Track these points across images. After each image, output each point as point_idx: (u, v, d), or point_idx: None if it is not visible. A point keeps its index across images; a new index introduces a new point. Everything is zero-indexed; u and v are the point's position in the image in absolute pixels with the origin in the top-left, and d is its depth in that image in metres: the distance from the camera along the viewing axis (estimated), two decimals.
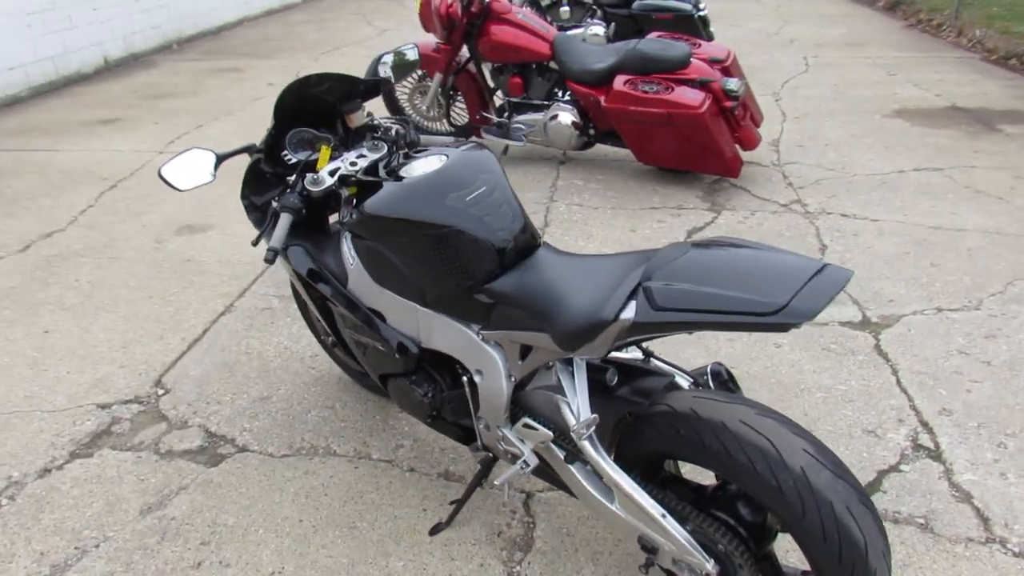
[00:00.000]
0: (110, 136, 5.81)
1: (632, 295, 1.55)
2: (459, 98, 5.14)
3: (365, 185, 1.99)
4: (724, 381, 1.90)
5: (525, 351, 1.83)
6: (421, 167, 1.95)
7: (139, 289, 3.57)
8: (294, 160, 2.14)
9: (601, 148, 5.06)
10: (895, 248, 3.76)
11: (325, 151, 2.12)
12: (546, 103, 4.79)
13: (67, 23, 7.45)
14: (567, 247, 3.85)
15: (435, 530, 2.19)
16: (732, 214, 4.20)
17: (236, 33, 9.92)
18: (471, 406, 2.01)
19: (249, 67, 8.02)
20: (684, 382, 1.88)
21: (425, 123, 5.34)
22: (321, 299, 2.33)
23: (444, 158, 1.96)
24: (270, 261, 1.92)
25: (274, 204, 2.07)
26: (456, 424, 2.13)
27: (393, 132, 2.22)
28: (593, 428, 1.71)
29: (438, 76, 4.98)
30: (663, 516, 1.68)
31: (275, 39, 9.44)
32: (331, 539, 2.18)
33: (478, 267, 1.81)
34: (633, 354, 1.95)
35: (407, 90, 5.28)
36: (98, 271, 3.74)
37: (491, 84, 5.07)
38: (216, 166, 2.05)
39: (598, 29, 6.49)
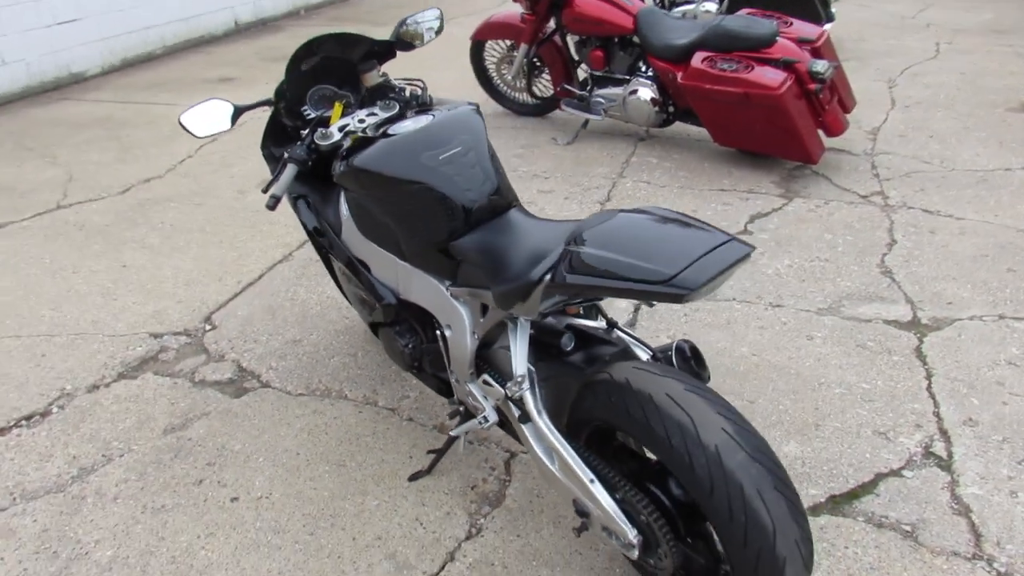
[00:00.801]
0: (224, 93, 6.22)
1: (560, 259, 1.58)
2: (545, 70, 5.17)
3: (361, 141, 2.09)
4: (687, 358, 1.88)
5: (485, 308, 1.89)
6: (408, 126, 2.02)
7: (212, 234, 3.86)
8: (312, 115, 2.27)
9: (684, 127, 4.96)
10: (973, 249, 3.51)
11: (338, 108, 2.24)
12: (627, 78, 4.74)
13: None
14: None
15: (414, 477, 2.30)
16: (804, 202, 4.03)
17: (364, 1, 10.28)
18: (445, 360, 2.09)
19: (368, 34, 8.31)
20: (643, 355, 1.89)
21: (511, 93, 5.40)
22: (324, 249, 2.47)
23: (430, 118, 2.03)
24: (271, 207, 2.07)
25: (285, 155, 2.21)
26: (435, 376, 2.22)
27: (407, 93, 2.31)
28: (527, 386, 1.75)
29: (523, 47, 5.02)
30: (591, 482, 1.70)
31: (398, 6, 9.72)
32: (320, 473, 2.33)
33: (445, 224, 1.88)
34: (599, 323, 1.97)
35: (495, 58, 5.35)
36: (181, 216, 4.06)
37: (575, 56, 5.05)
38: (234, 116, 2.20)
39: (710, 5, 6.30)
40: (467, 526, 2.13)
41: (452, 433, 2.07)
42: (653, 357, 1.88)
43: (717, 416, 1.53)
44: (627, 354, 1.87)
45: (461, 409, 2.14)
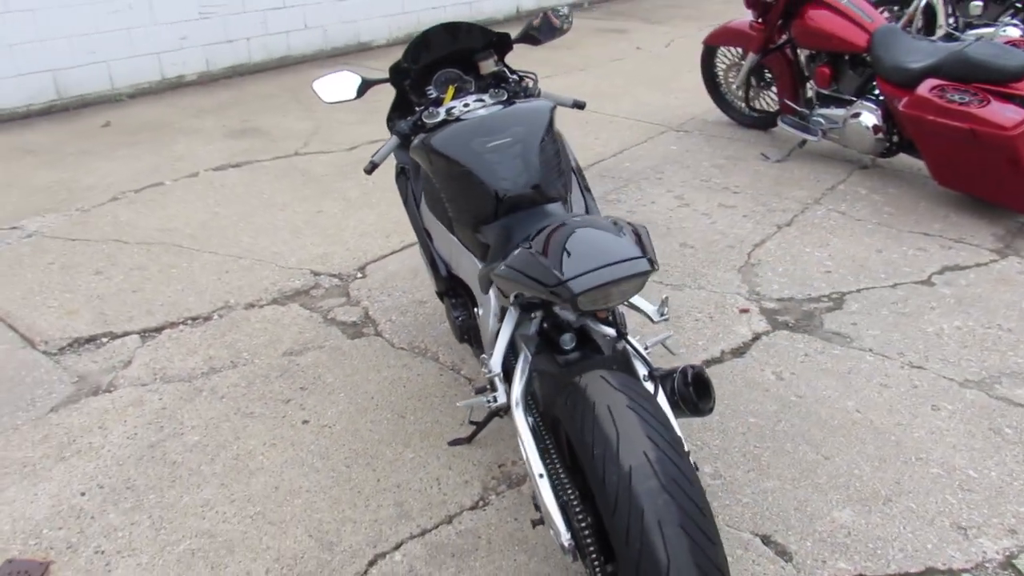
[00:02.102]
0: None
1: (507, 254, 1.63)
2: (772, 81, 4.94)
3: (442, 123, 2.25)
4: (688, 384, 1.82)
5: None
6: (478, 113, 2.15)
7: None
8: (432, 95, 2.48)
9: (913, 161, 4.48)
10: None
11: (451, 91, 2.42)
12: (852, 99, 4.39)
13: None
14: (791, 254, 3.62)
15: (455, 442, 2.44)
16: (1020, 262, 3.50)
17: None
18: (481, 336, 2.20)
19: (634, 30, 8.43)
20: (642, 370, 1.86)
21: (736, 102, 5.23)
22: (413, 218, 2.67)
23: (498, 108, 2.13)
24: (367, 171, 2.31)
25: (393, 127, 2.44)
26: (480, 350, 2.34)
27: (513, 84, 2.43)
28: (496, 370, 1.81)
29: (750, 55, 4.84)
30: (540, 476, 1.73)
31: (680, 5, 9.68)
32: (380, 418, 2.57)
33: (481, 207, 1.99)
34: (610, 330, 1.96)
35: (725, 65, 5.21)
36: (385, 177, 4.52)
37: (805, 71, 4.76)
38: (360, 88, 2.47)
39: (1014, 31, 5.56)
40: (477, 498, 2.24)
41: (459, 404, 2.18)
42: (649, 375, 1.84)
43: (645, 439, 1.49)
44: (621, 364, 1.85)
45: (488, 386, 2.24)
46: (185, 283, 3.40)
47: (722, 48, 5.16)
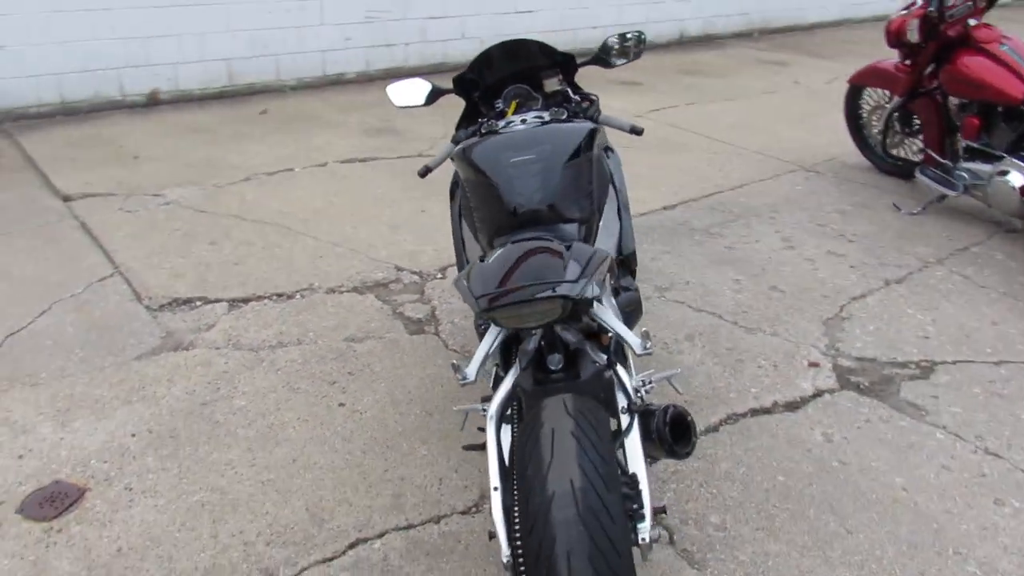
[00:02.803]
0: (620, 95, 6.71)
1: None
2: (918, 129, 4.60)
3: (488, 134, 2.31)
4: (665, 423, 1.77)
5: None
6: (515, 128, 2.18)
7: None
8: (500, 108, 2.55)
9: None
10: None
11: (513, 105, 2.49)
12: (1002, 155, 4.01)
13: None
14: (890, 313, 3.38)
15: (469, 447, 2.47)
16: None
17: (826, 33, 9.91)
18: None
19: (797, 64, 8.10)
20: (622, 401, 1.82)
21: (878, 147, 4.91)
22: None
23: (535, 125, 2.16)
24: (420, 175, 2.43)
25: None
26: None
27: (574, 105, 2.45)
28: (469, 379, 1.83)
29: (895, 99, 4.53)
30: (495, 489, 1.74)
31: (856, 41, 9.18)
32: (409, 412, 2.66)
33: (496, 220, 2.02)
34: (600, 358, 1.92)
35: (870, 105, 4.91)
36: None
37: (955, 120, 4.39)
38: (429, 96, 2.58)
39: None
40: (471, 504, 2.27)
41: (455, 408, 2.22)
42: (627, 408, 1.80)
43: (575, 466, 1.47)
44: (602, 392, 1.82)
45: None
46: (282, 262, 3.66)
47: (869, 88, 4.87)
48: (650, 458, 1.81)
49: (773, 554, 2.12)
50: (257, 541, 2.11)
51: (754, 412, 2.70)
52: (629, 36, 2.59)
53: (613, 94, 6.73)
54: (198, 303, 3.31)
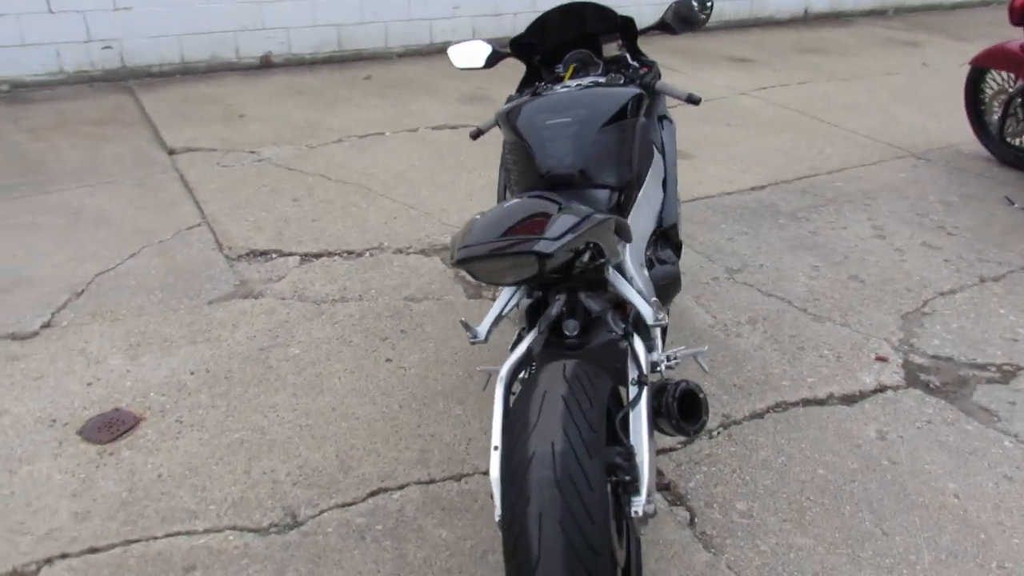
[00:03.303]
0: (728, 71, 6.48)
1: None
2: None
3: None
4: (673, 398, 1.72)
5: None
6: (556, 91, 2.15)
7: None
8: (559, 73, 2.52)
9: None
10: None
11: (571, 69, 2.45)
12: None
13: None
14: (979, 312, 3.14)
15: None
16: None
17: (970, 13, 9.20)
18: None
19: (929, 44, 7.56)
20: (633, 372, 1.78)
21: (998, 135, 4.53)
22: None
23: (575, 88, 2.12)
24: (472, 136, 2.44)
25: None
26: None
27: (631, 71, 2.39)
28: (478, 340, 1.83)
29: (1019, 83, 4.17)
30: (494, 448, 1.74)
31: (1000, 23, 8.44)
32: (451, 373, 2.69)
33: (528, 181, 2.01)
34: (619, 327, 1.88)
35: (993, 89, 4.53)
36: None
37: None
38: (489, 58, 2.56)
39: None
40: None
41: (477, 368, 2.22)
42: (637, 380, 1.76)
43: (559, 430, 1.45)
44: (615, 361, 1.79)
45: None
46: (357, 221, 3.76)
47: (993, 71, 4.49)
48: (662, 432, 1.76)
49: (797, 547, 2.03)
50: (285, 480, 2.21)
51: (806, 402, 2.57)
52: (696, 3, 2.48)
53: (721, 70, 6.51)
54: (273, 255, 3.46)
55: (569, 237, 1.37)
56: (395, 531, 2.05)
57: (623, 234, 1.73)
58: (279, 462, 2.28)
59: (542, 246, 1.33)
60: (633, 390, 1.74)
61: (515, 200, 1.57)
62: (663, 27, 2.52)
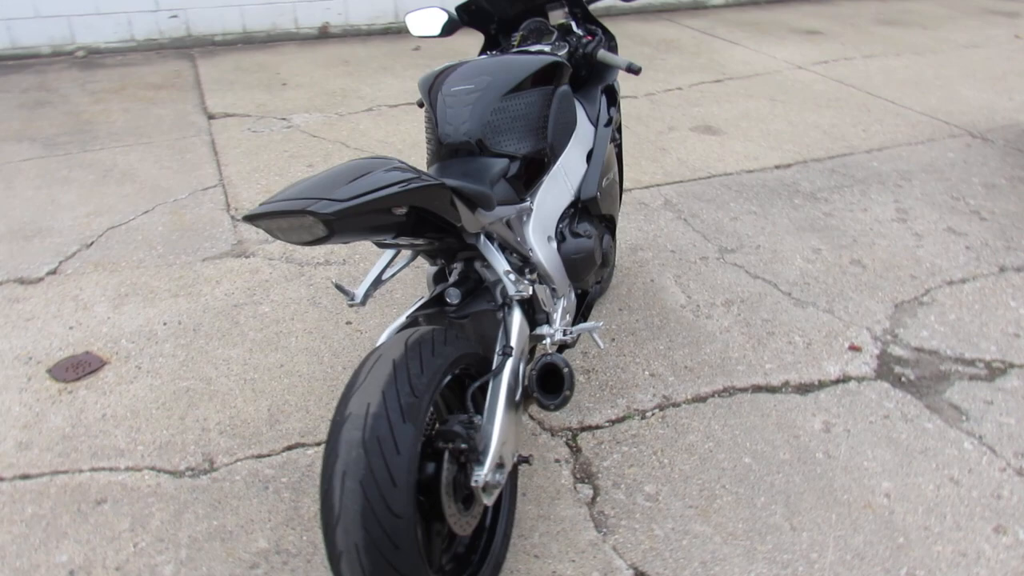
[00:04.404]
0: (790, 44, 6.17)
1: None
2: None
3: None
4: (534, 371, 1.70)
5: None
6: (475, 59, 2.12)
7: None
8: (515, 41, 2.49)
9: None
10: None
11: (519, 38, 2.42)
12: None
13: None
14: (985, 305, 2.91)
15: None
16: None
17: None
18: None
19: None
20: (501, 342, 1.76)
21: None
22: None
23: (492, 56, 2.08)
24: (419, 105, 2.44)
25: None
26: None
27: (574, 39, 2.34)
28: (355, 303, 1.84)
29: None
30: None
31: None
32: None
33: (431, 150, 2.00)
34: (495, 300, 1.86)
35: None
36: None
37: None
38: (445, 26, 2.55)
39: None
40: None
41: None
42: (503, 351, 1.74)
43: (378, 392, 1.46)
44: (485, 330, 1.78)
45: None
46: None
47: None
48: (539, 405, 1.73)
49: (693, 534, 1.96)
50: (214, 429, 2.31)
51: (756, 388, 2.47)
52: None
53: (786, 43, 6.21)
54: None
55: (359, 200, 1.35)
56: (298, 484, 2.11)
57: (480, 202, 1.69)
58: (214, 411, 2.38)
59: (320, 206, 1.31)
60: (497, 360, 1.73)
61: (348, 161, 1.57)
62: None
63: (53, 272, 3.13)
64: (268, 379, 2.52)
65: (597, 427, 2.32)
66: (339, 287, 1.83)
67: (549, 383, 1.70)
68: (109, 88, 5.24)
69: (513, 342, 1.75)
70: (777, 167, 4.05)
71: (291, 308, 2.90)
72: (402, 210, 1.49)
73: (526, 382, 1.72)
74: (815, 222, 3.48)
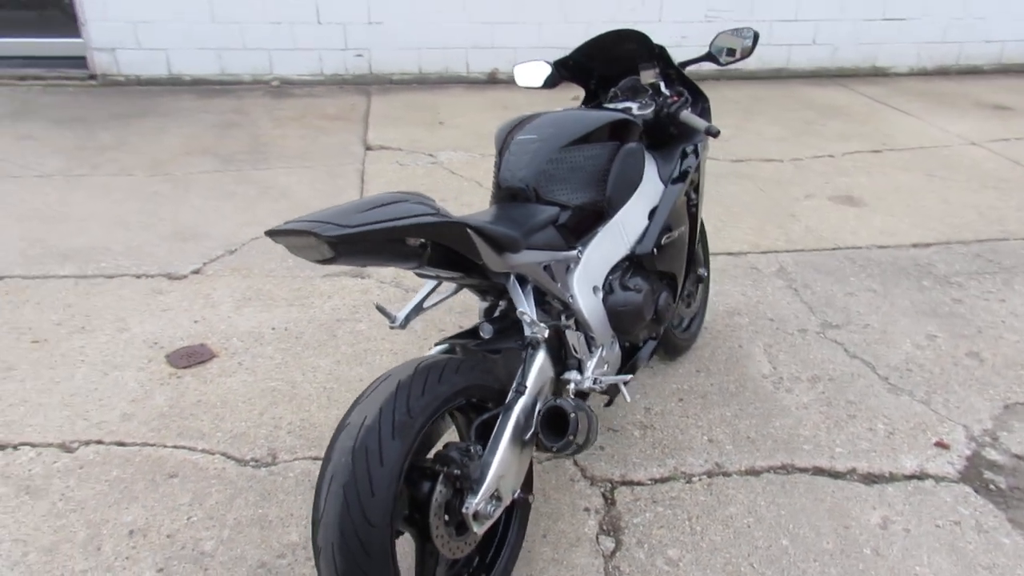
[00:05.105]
0: (972, 118, 5.77)
1: None
2: None
3: None
4: (539, 412, 1.75)
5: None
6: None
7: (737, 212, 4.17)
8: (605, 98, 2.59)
9: None
10: None
11: (612, 94, 2.52)
12: None
13: None
14: None
15: None
16: None
17: None
18: None
19: None
20: (518, 379, 1.83)
21: None
22: None
23: (564, 110, 2.17)
24: None
25: None
26: None
27: (661, 99, 2.39)
28: (393, 325, 1.96)
29: None
30: None
31: None
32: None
33: (493, 191, 2.12)
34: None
35: None
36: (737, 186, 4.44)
37: None
38: (547, 79, 2.68)
39: None
40: None
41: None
42: (516, 389, 1.80)
43: (376, 407, 1.58)
44: (507, 368, 1.86)
45: None
46: None
47: None
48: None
49: None
50: (284, 428, 2.53)
51: (817, 471, 2.35)
52: (740, 33, 2.40)
53: (966, 117, 5.82)
54: None
55: (362, 229, 1.46)
56: None
57: (505, 244, 1.77)
58: (289, 412, 2.60)
59: (325, 229, 1.43)
60: (510, 397, 1.80)
61: (380, 193, 1.70)
62: (708, 58, 2.49)
63: (197, 271, 3.54)
64: (345, 390, 2.71)
65: (638, 483, 2.30)
66: (380, 309, 1.97)
67: (557, 426, 1.74)
68: (291, 115, 5.84)
69: (529, 382, 1.81)
70: (915, 245, 3.81)
71: (385, 329, 3.10)
72: (416, 242, 1.60)
73: (531, 422, 1.77)
74: (939, 307, 3.24)
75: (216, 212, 4.16)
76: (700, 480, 2.31)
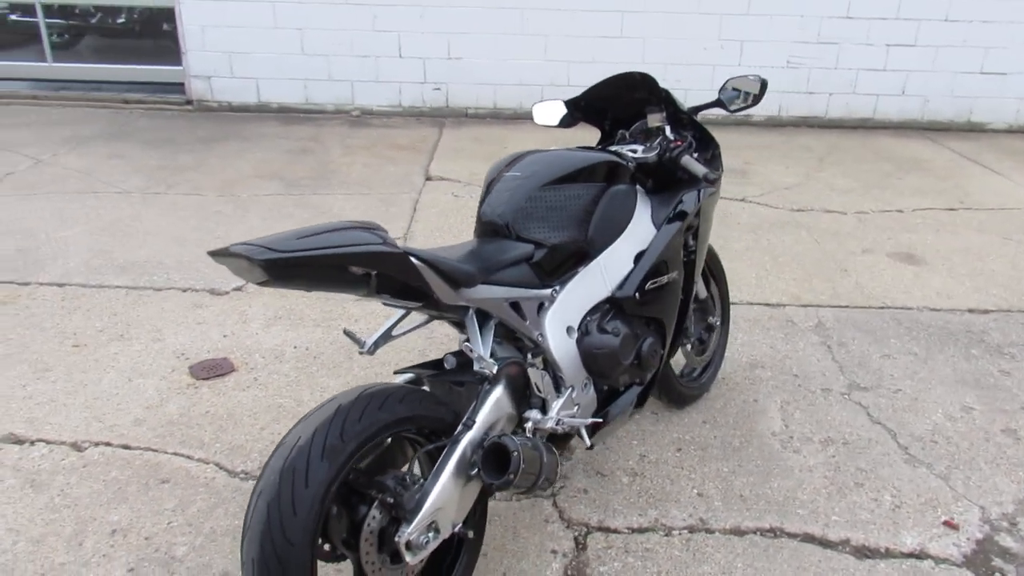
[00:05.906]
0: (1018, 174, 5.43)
1: None
2: None
3: None
4: (481, 447, 1.75)
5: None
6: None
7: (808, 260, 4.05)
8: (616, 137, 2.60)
9: None
10: None
11: (621, 136, 2.52)
12: None
13: None
14: None
15: None
16: None
17: None
18: None
19: None
20: (469, 415, 1.83)
21: None
22: None
23: (558, 149, 2.18)
24: None
25: None
26: None
27: (663, 142, 2.38)
28: (362, 350, 1.99)
29: None
30: None
31: None
32: None
33: (475, 225, 2.14)
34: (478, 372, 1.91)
35: None
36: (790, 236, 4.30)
37: None
38: (563, 119, 2.70)
39: None
40: None
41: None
42: (464, 424, 1.80)
43: (310, 430, 1.60)
44: (462, 401, 1.86)
45: None
46: None
47: None
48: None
49: None
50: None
51: (806, 538, 2.23)
52: (748, 80, 2.36)
53: (1014, 172, 5.46)
54: None
55: (294, 254, 1.49)
56: None
57: (458, 279, 1.77)
58: (288, 426, 2.67)
59: (257, 252, 1.48)
60: (458, 430, 1.80)
61: (333, 221, 1.75)
62: (718, 104, 2.46)
63: (238, 289, 3.70)
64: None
65: (615, 531, 2.24)
66: (348, 334, 2.01)
67: (501, 463, 1.73)
68: (362, 144, 6.05)
69: (479, 417, 1.80)
70: (971, 311, 3.59)
71: (401, 354, 3.15)
72: (360, 271, 1.64)
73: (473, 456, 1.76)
74: (983, 378, 3.04)
75: (269, 232, 4.33)
76: (680, 534, 2.23)
